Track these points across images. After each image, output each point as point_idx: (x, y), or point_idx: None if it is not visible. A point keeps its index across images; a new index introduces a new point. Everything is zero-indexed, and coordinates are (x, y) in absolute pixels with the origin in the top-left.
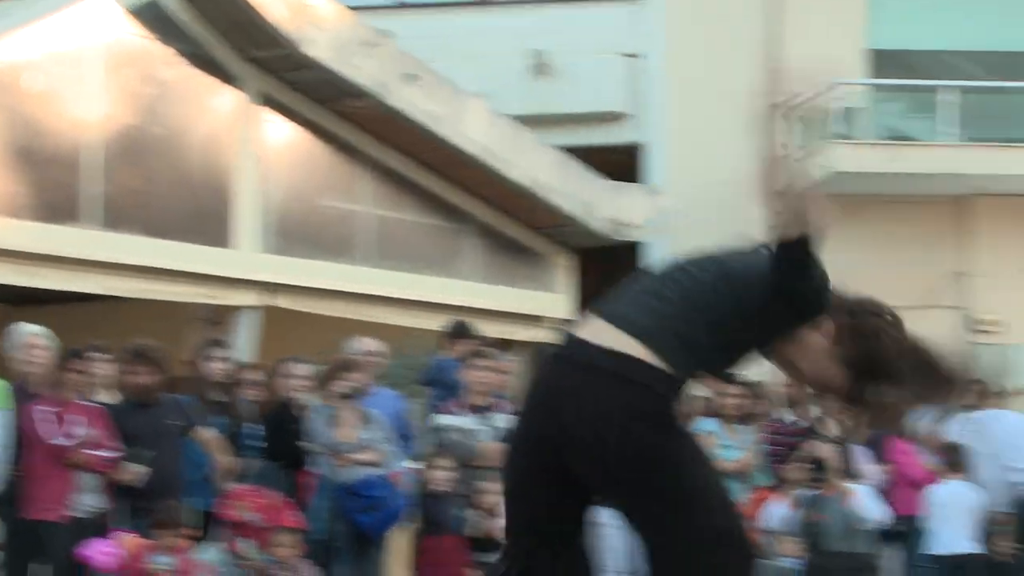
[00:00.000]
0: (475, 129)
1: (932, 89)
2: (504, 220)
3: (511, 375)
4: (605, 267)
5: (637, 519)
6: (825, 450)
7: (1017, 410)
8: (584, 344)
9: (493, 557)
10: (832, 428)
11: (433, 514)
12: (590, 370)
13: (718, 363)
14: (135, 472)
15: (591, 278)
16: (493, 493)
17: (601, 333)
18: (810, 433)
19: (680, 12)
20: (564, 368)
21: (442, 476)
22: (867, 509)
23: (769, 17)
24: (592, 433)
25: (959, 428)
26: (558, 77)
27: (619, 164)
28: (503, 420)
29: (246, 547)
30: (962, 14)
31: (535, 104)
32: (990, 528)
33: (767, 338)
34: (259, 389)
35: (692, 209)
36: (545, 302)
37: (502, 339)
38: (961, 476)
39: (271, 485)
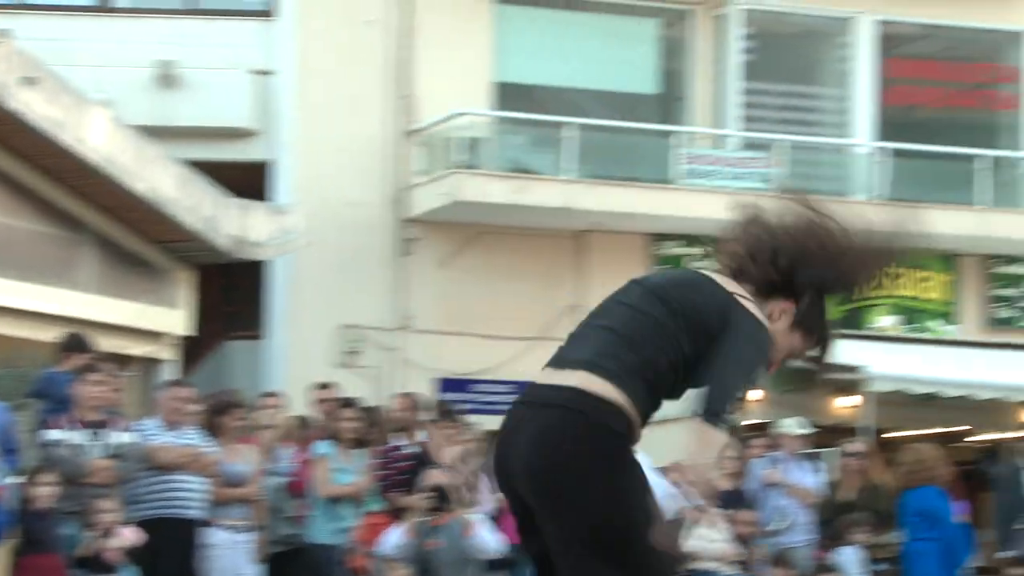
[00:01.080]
0: (97, 138)
1: (554, 125)
2: (125, 232)
3: (125, 391)
4: (226, 283)
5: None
6: (444, 478)
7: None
8: (543, 387)
9: None
10: (448, 455)
11: (35, 531)
12: (546, 407)
13: (673, 394)
14: None
15: (212, 294)
16: (105, 511)
17: (558, 376)
18: (425, 459)
19: (310, 32)
20: (524, 411)
21: (46, 492)
22: (483, 537)
23: (398, 43)
24: (542, 462)
25: None
26: (185, 90)
27: (245, 181)
28: (115, 436)
29: None
30: (584, 54)
31: (161, 116)
32: None
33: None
34: None
35: (316, 229)
36: (164, 317)
37: (118, 353)
38: None
39: None
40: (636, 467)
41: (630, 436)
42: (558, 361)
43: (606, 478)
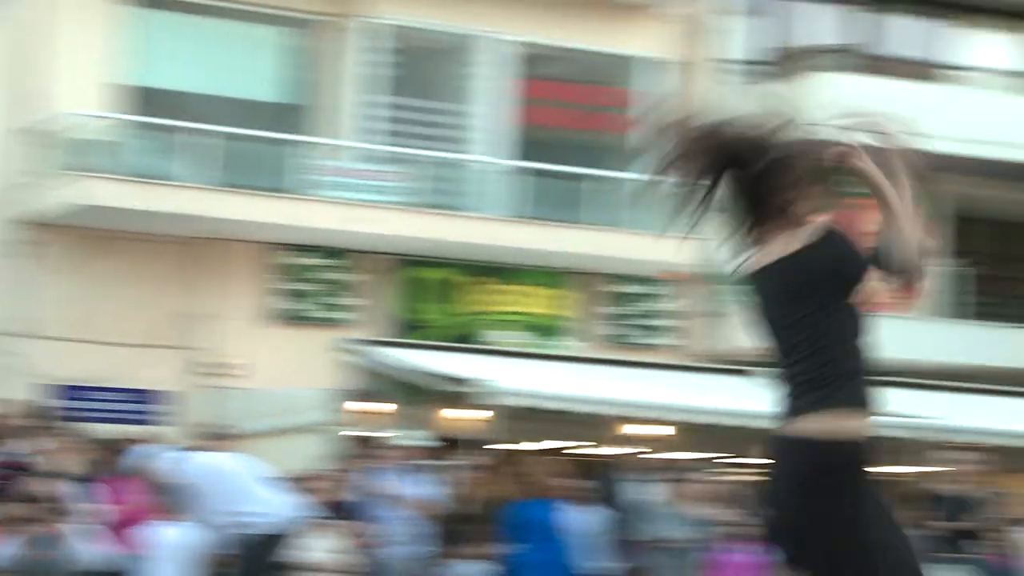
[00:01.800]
0: None
1: (179, 130)
2: None
3: None
4: None
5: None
6: (45, 487)
7: (247, 453)
8: (782, 438)
9: None
10: (51, 464)
11: None
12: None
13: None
14: None
15: None
16: None
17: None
18: (23, 468)
19: None
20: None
21: None
22: (78, 549)
23: (23, 39)
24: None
25: (180, 468)
26: None
27: None
28: None
29: None
30: (213, 60)
31: None
32: (212, 569)
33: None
34: None
35: None
36: None
37: None
38: (179, 516)
39: None
40: (866, 496)
41: (862, 458)
42: (788, 408)
43: (838, 512)
